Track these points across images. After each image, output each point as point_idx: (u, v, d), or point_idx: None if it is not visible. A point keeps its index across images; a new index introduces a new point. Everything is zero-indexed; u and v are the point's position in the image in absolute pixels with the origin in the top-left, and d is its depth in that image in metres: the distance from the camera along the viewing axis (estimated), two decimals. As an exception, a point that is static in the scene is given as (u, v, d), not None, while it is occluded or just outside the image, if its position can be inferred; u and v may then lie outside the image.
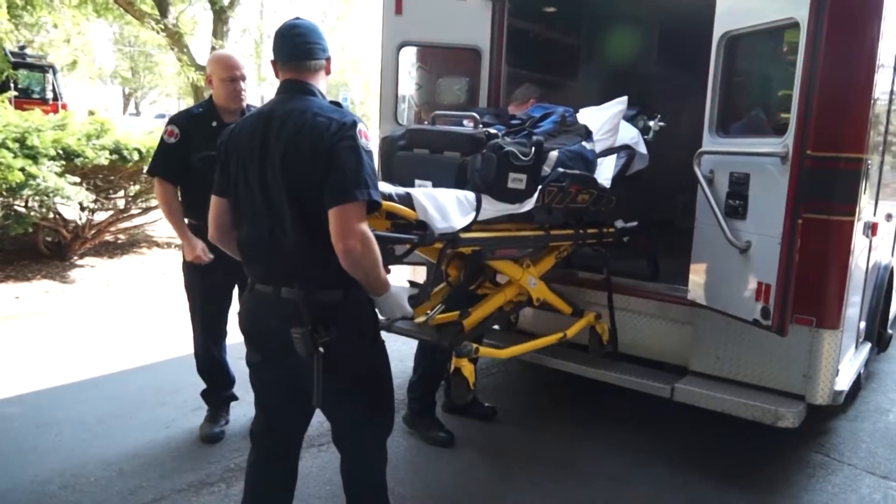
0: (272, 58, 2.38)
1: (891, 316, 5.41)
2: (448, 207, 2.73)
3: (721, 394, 3.67)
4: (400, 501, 3.29)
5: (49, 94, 17.70)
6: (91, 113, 19.13)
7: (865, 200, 3.79)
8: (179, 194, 3.82)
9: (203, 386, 4.10)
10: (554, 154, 3.33)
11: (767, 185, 3.28)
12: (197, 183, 3.47)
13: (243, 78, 3.73)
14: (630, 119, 4.13)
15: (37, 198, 6.41)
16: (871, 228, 4.00)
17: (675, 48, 5.73)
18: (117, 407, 4.42)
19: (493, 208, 3.00)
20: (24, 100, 15.41)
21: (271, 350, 2.38)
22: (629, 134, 4.06)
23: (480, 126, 3.09)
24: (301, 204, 2.19)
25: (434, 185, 2.95)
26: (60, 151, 6.63)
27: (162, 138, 3.73)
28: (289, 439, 2.61)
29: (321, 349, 2.18)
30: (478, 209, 2.91)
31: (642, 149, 4.09)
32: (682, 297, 3.89)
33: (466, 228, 2.92)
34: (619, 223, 4.04)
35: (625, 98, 3.95)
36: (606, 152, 3.84)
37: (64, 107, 17.00)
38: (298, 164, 2.17)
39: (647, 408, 4.25)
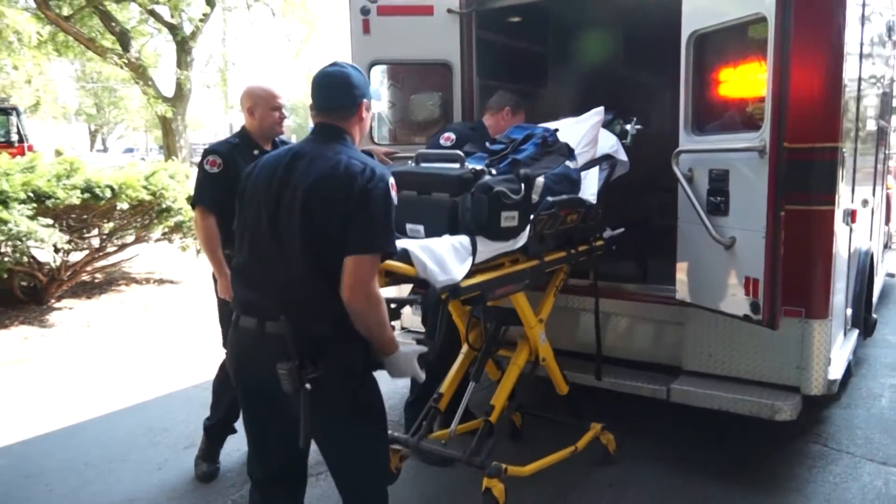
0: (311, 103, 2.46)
1: (874, 300, 5.48)
2: (446, 258, 2.69)
3: (717, 391, 3.68)
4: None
5: (14, 137, 17.48)
6: (58, 153, 18.95)
7: (843, 188, 3.83)
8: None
9: (201, 417, 4.00)
10: (540, 181, 3.29)
11: (747, 180, 3.30)
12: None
13: (283, 106, 3.82)
14: (607, 125, 4.09)
15: (9, 243, 6.26)
16: (851, 215, 4.04)
17: (642, 50, 5.78)
18: (107, 450, 4.32)
19: (488, 249, 2.96)
20: (-10, 144, 15.22)
21: (259, 389, 2.30)
22: (608, 142, 4.03)
23: (466, 164, 3.02)
24: (312, 237, 2.19)
25: (426, 230, 2.90)
26: (31, 194, 6.50)
27: (203, 169, 3.67)
28: (293, 483, 2.52)
29: (308, 386, 2.13)
30: (474, 253, 2.86)
31: (622, 156, 4.07)
32: (671, 298, 3.89)
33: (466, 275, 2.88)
34: (607, 232, 3.99)
35: (601, 108, 3.92)
36: (588, 165, 3.81)
37: (30, 148, 16.79)
38: (322, 200, 2.18)
39: (641, 411, 4.23)
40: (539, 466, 3.42)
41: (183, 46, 17.03)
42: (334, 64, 2.43)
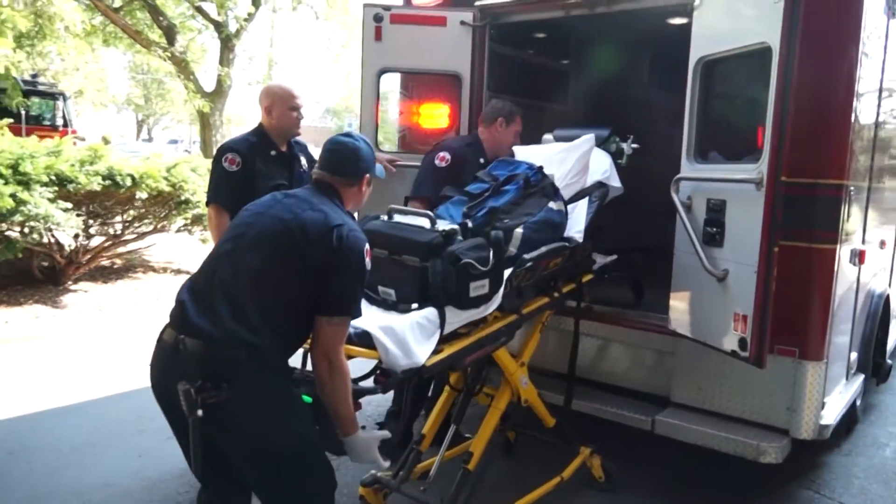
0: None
1: (890, 346, 5.27)
2: (409, 340, 2.58)
3: (702, 427, 3.58)
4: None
5: (59, 122, 17.99)
6: (105, 140, 19.43)
7: (851, 227, 3.71)
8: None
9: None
10: (518, 232, 3.15)
11: (743, 212, 3.21)
12: None
13: (302, 107, 3.80)
14: (601, 143, 3.91)
15: (27, 224, 6.41)
16: (859, 256, 3.90)
17: (668, 73, 5.69)
18: (94, 434, 4.37)
19: (458, 319, 2.83)
20: (35, 126, 15.67)
21: (172, 405, 2.21)
22: (601, 167, 3.83)
23: (437, 224, 2.90)
24: (268, 267, 2.24)
25: (397, 294, 2.83)
26: (53, 177, 6.66)
27: (222, 167, 3.62)
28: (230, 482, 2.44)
29: (200, 412, 2.05)
30: (442, 326, 2.73)
31: (615, 181, 3.87)
32: (664, 327, 3.80)
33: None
34: (598, 259, 3.81)
35: (591, 136, 3.75)
36: (577, 197, 3.62)
37: (74, 133, 17.29)
38: (291, 237, 2.24)
39: (628, 439, 4.13)
40: None
41: (227, 44, 17.34)
42: (348, 135, 2.57)
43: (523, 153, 3.87)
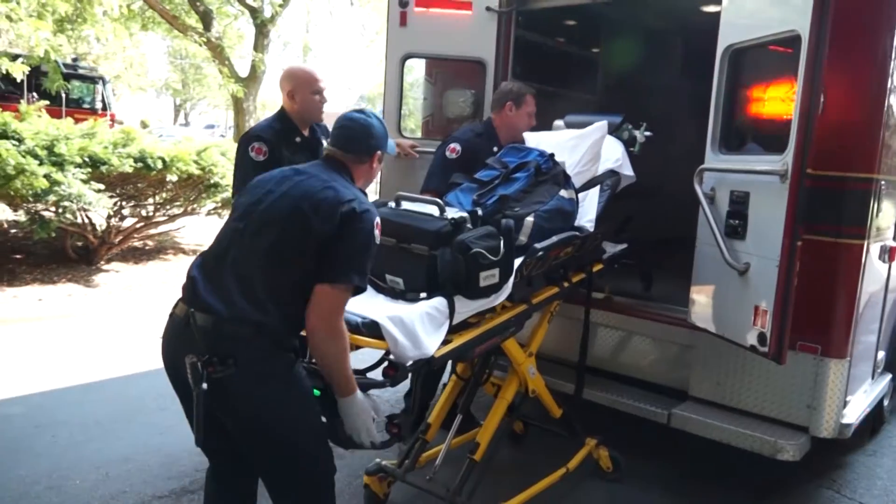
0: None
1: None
2: (419, 330, 2.54)
3: (719, 422, 3.52)
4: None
5: (98, 105, 18.33)
6: (144, 124, 19.75)
7: (881, 223, 3.60)
8: None
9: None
10: (529, 220, 3.09)
11: (767, 205, 3.13)
12: None
13: (325, 90, 3.72)
14: (613, 130, 3.82)
15: (61, 204, 6.56)
16: (889, 253, 3.79)
17: (701, 62, 5.58)
18: (117, 410, 4.47)
19: (467, 308, 2.79)
20: (75, 109, 16.00)
21: (180, 380, 2.23)
22: (613, 154, 3.75)
23: (445, 213, 2.83)
24: (279, 246, 2.22)
25: (405, 283, 2.79)
26: (87, 159, 6.80)
27: (249, 157, 3.53)
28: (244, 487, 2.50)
29: (205, 385, 2.09)
30: (451, 315, 2.69)
31: (628, 170, 3.77)
32: (684, 319, 3.74)
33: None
34: (609, 248, 3.74)
35: (604, 123, 3.66)
36: (588, 185, 3.54)
37: (112, 117, 17.60)
38: (303, 214, 2.22)
39: (646, 432, 4.08)
40: (524, 499, 3.25)
41: (261, 29, 17.44)
42: (361, 111, 2.52)
43: (534, 140, 3.81)
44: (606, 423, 4.30)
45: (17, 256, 8.01)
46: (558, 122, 4.11)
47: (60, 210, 6.68)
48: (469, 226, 2.79)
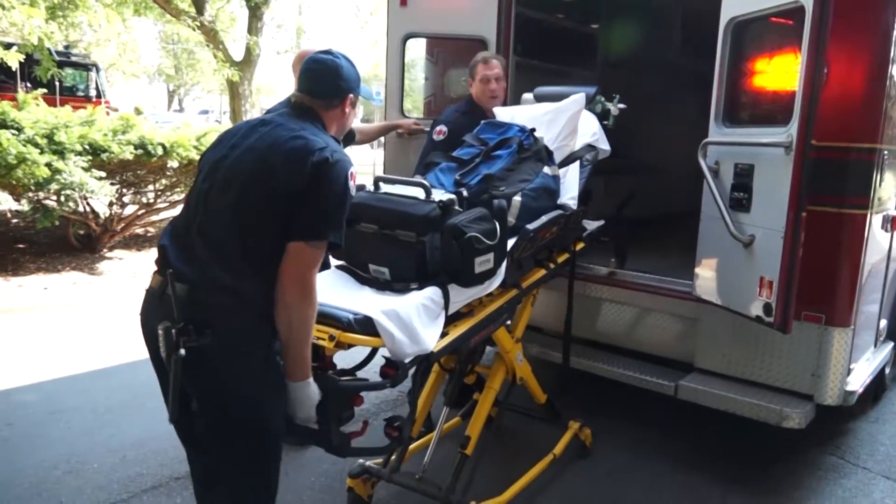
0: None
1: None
2: (416, 324, 2.37)
3: (725, 392, 3.57)
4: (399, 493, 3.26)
5: (92, 92, 18.23)
6: (138, 111, 19.60)
7: (884, 193, 3.63)
8: None
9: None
10: (517, 200, 2.95)
11: (771, 177, 3.15)
12: None
13: None
14: (587, 103, 3.66)
15: (63, 192, 6.57)
16: (891, 223, 3.83)
17: (701, 37, 5.58)
18: (128, 396, 4.51)
19: (462, 297, 2.64)
20: (69, 97, 15.91)
21: (158, 356, 2.09)
22: (590, 128, 3.64)
23: (431, 196, 2.65)
24: (246, 204, 2.06)
25: (391, 272, 2.62)
26: (87, 147, 6.79)
27: None
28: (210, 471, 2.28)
29: (182, 351, 1.95)
30: (447, 307, 2.53)
31: (604, 144, 3.67)
32: (688, 293, 3.78)
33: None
34: (589, 225, 3.64)
35: (582, 95, 3.54)
36: (567, 161, 3.42)
37: (108, 104, 17.50)
38: (269, 168, 2.05)
39: (652, 404, 4.14)
40: (516, 490, 3.18)
41: (255, 12, 17.34)
42: (328, 52, 2.31)
43: (506, 114, 3.68)
44: (614, 398, 4.39)
45: (21, 246, 8.03)
46: (527, 96, 3.98)
47: (62, 198, 6.68)
48: (458, 208, 2.65)
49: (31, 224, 7.81)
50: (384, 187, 2.85)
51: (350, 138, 4.06)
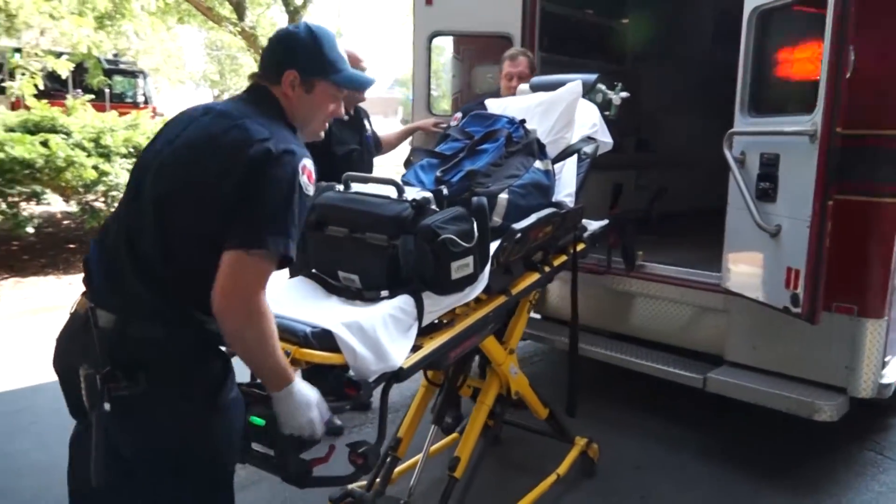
0: None
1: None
2: (381, 338, 2.09)
3: (755, 384, 3.54)
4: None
5: (140, 98, 18.80)
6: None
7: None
8: None
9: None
10: (503, 198, 2.66)
11: (797, 166, 3.12)
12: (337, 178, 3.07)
13: (366, 70, 3.77)
14: (586, 92, 3.41)
15: (109, 194, 6.83)
16: (929, 211, 3.73)
17: (732, 28, 5.52)
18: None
19: (438, 307, 2.36)
20: (118, 104, 16.45)
21: (75, 403, 1.74)
22: (589, 119, 3.34)
23: (404, 195, 2.40)
24: (168, 209, 1.70)
25: (361, 280, 2.37)
26: (132, 150, 7.05)
27: None
28: None
29: (107, 405, 1.60)
30: (420, 316, 2.26)
31: (605, 136, 3.36)
32: (717, 285, 3.76)
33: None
34: (590, 225, 3.34)
35: (578, 83, 3.24)
36: (563, 155, 3.13)
37: (154, 110, 18.02)
38: (196, 164, 1.71)
39: (681, 398, 4.12)
40: None
41: (293, 17, 17.63)
42: (296, 25, 1.96)
43: (498, 106, 3.43)
44: (644, 393, 4.38)
45: (71, 246, 8.34)
46: (523, 87, 3.76)
47: (109, 199, 6.95)
48: (434, 207, 2.39)
49: (80, 225, 8.12)
50: (355, 187, 2.60)
51: (378, 149, 4.16)
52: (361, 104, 4.00)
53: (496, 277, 2.60)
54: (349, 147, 3.77)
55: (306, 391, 1.81)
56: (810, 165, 2.99)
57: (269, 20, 21.51)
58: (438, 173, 2.81)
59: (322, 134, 2.06)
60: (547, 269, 3.01)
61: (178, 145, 1.75)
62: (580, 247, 3.26)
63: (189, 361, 1.70)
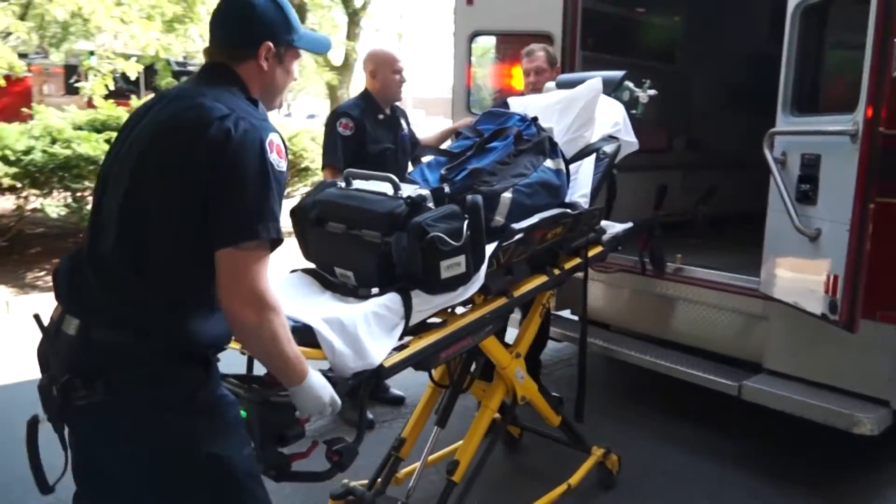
0: None
1: None
2: (363, 335, 2.06)
3: (792, 394, 3.41)
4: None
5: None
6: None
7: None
8: None
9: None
10: (507, 197, 2.58)
11: (838, 167, 3.01)
12: None
13: (404, 70, 3.96)
14: (612, 90, 3.32)
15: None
16: None
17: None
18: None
19: (428, 306, 2.30)
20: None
21: (49, 412, 1.65)
22: (612, 118, 3.21)
23: (400, 192, 2.37)
24: (132, 204, 1.60)
25: (356, 276, 2.37)
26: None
27: (336, 131, 3.75)
28: None
29: (62, 415, 1.58)
30: (407, 315, 2.21)
31: (629, 135, 3.23)
32: (756, 290, 3.64)
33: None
34: (611, 228, 3.20)
35: (598, 80, 3.11)
36: (580, 155, 3.03)
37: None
38: (162, 158, 1.59)
39: (716, 405, 4.01)
40: None
41: (353, 18, 17.93)
42: None
43: (519, 104, 3.36)
44: (679, 398, 4.28)
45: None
46: (549, 84, 3.72)
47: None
48: (431, 205, 2.34)
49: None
50: (356, 183, 2.59)
51: (414, 148, 4.19)
52: (398, 103, 4.05)
53: (496, 278, 2.55)
54: (383, 146, 3.82)
55: (320, 378, 1.80)
56: (851, 166, 2.87)
57: (330, 21, 21.95)
58: (443, 171, 2.78)
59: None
60: (557, 271, 2.89)
61: (134, 138, 1.65)
62: (595, 250, 3.12)
63: (158, 367, 1.58)
